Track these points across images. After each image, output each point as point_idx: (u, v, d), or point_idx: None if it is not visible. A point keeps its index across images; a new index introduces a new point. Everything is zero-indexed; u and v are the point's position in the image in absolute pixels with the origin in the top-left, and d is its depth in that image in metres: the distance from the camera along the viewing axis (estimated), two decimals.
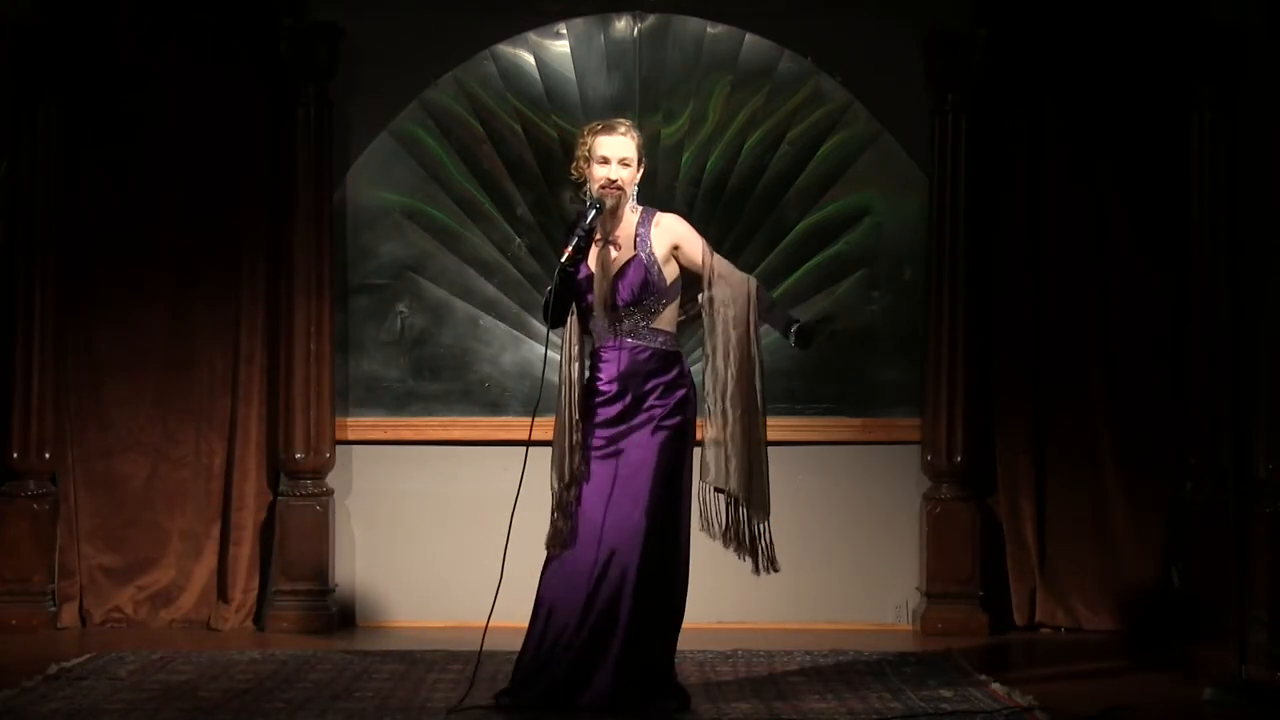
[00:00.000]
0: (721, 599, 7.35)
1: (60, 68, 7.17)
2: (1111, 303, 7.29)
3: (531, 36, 7.46)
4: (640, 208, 5.47)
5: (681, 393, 5.44)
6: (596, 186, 5.37)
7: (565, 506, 5.35)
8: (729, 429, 5.38)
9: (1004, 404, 7.31)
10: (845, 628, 7.26)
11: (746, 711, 5.45)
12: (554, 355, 5.52)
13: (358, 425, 7.39)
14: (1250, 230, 7.04)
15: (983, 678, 5.95)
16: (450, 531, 7.35)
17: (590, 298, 5.38)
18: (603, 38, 7.46)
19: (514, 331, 7.44)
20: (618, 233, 5.42)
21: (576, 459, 5.33)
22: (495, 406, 7.44)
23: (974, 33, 7.19)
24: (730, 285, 5.41)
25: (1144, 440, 7.24)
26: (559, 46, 7.46)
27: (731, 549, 5.48)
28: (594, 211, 5.31)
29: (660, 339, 5.43)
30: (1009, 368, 7.31)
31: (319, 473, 7.29)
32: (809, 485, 7.41)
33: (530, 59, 7.46)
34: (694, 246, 5.43)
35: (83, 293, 7.27)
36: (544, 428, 5.46)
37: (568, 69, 7.45)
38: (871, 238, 7.45)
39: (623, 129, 5.40)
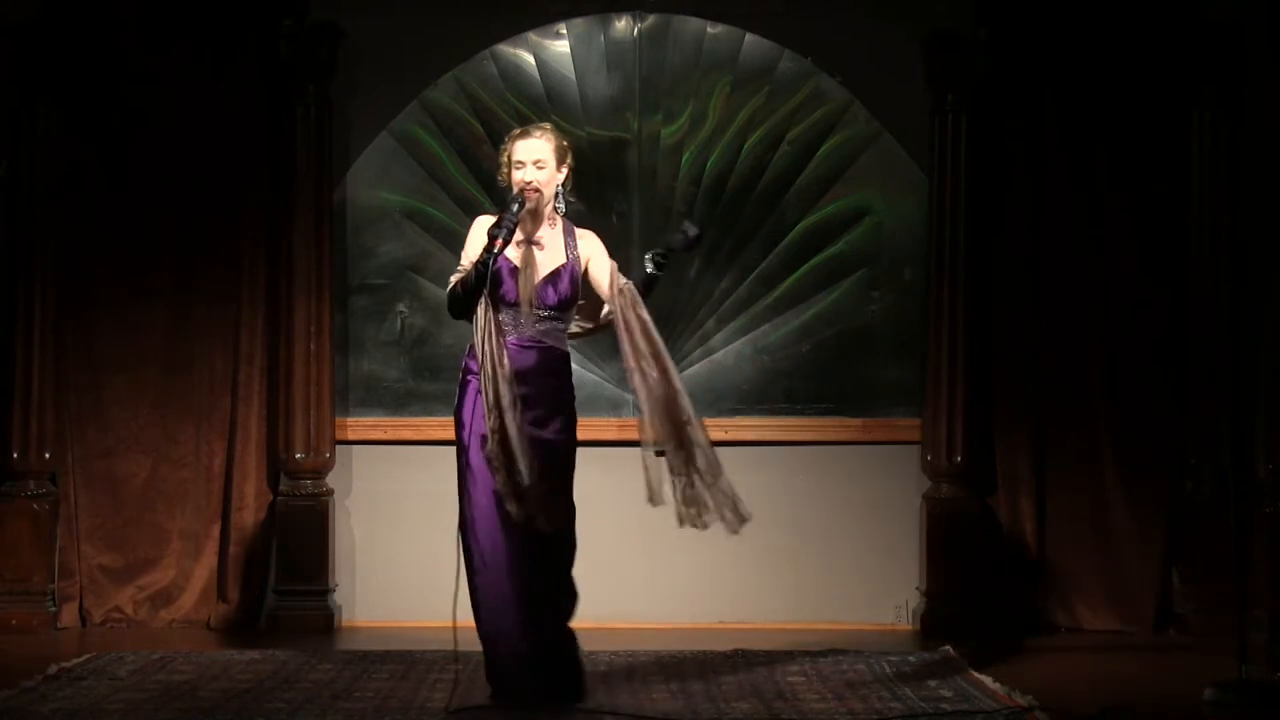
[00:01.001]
0: (721, 599, 7.36)
1: (60, 68, 7.16)
2: (1111, 303, 7.29)
3: (531, 36, 7.46)
4: (561, 218, 5.65)
5: (570, 393, 5.67)
6: (515, 190, 5.58)
7: (520, 484, 5.42)
8: (674, 428, 5.52)
9: (1004, 404, 7.31)
10: (845, 628, 7.26)
11: (746, 711, 5.45)
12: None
13: (358, 425, 7.39)
14: (1251, 230, 7.04)
15: (983, 678, 5.95)
16: (450, 531, 7.31)
17: (509, 294, 5.54)
18: (603, 38, 7.47)
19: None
20: (540, 235, 5.62)
21: (495, 443, 5.43)
22: None
23: (974, 33, 7.19)
24: (632, 293, 5.63)
25: (1144, 440, 7.24)
26: (559, 46, 7.46)
27: (708, 518, 5.53)
28: (517, 205, 5.50)
29: (566, 343, 5.67)
30: (1009, 368, 7.31)
31: (319, 473, 7.29)
32: (809, 485, 7.41)
33: (530, 59, 7.46)
34: (604, 264, 5.67)
35: (82, 292, 7.27)
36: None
37: (568, 69, 7.45)
38: (871, 238, 7.46)
39: (538, 133, 5.63)
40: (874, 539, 7.40)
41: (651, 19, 7.47)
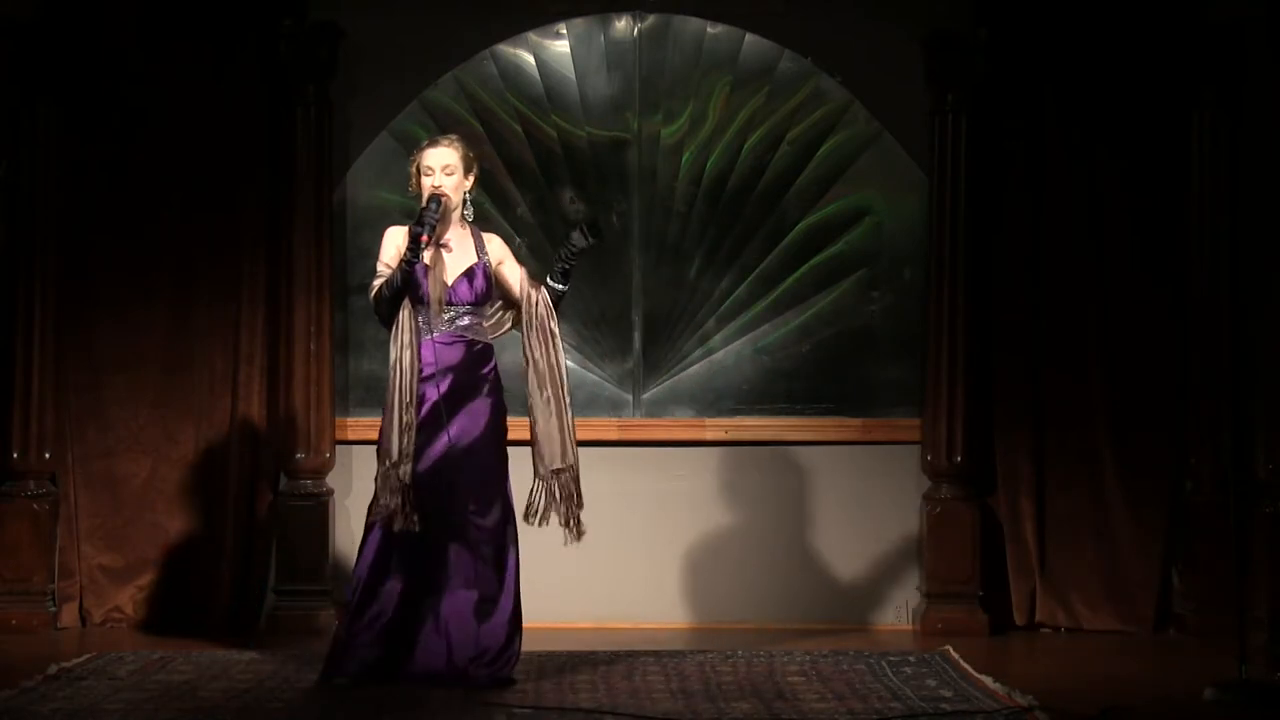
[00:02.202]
0: (722, 599, 7.36)
1: (60, 68, 7.16)
2: (1111, 302, 7.29)
3: (531, 36, 7.46)
4: (468, 224, 5.95)
5: (497, 380, 5.95)
6: (426, 195, 5.85)
7: (392, 483, 5.73)
8: (556, 417, 5.87)
9: (1004, 404, 7.30)
10: (845, 628, 7.26)
11: (746, 711, 5.45)
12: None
13: (358, 425, 7.39)
14: (1251, 230, 7.04)
15: (983, 678, 5.95)
16: None
17: (427, 294, 5.80)
18: (603, 38, 7.47)
19: (514, 331, 7.43)
20: (449, 237, 5.90)
21: (407, 439, 5.74)
22: None
23: (974, 33, 7.19)
24: (541, 295, 5.92)
25: (1144, 440, 7.24)
26: (559, 46, 7.46)
27: (564, 523, 5.88)
28: (435, 204, 5.78)
29: (487, 335, 5.94)
30: (1009, 368, 7.31)
31: (319, 473, 7.29)
32: (809, 485, 7.41)
33: (530, 59, 7.46)
34: (515, 269, 5.99)
35: (83, 293, 7.26)
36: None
37: (568, 69, 7.45)
38: (871, 238, 7.46)
39: (445, 142, 5.97)
40: (874, 539, 7.40)
41: (651, 19, 7.47)
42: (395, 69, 7.40)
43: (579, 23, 7.47)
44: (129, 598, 7.24)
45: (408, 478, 5.72)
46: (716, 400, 7.46)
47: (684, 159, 7.45)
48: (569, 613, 7.27)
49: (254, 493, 7.27)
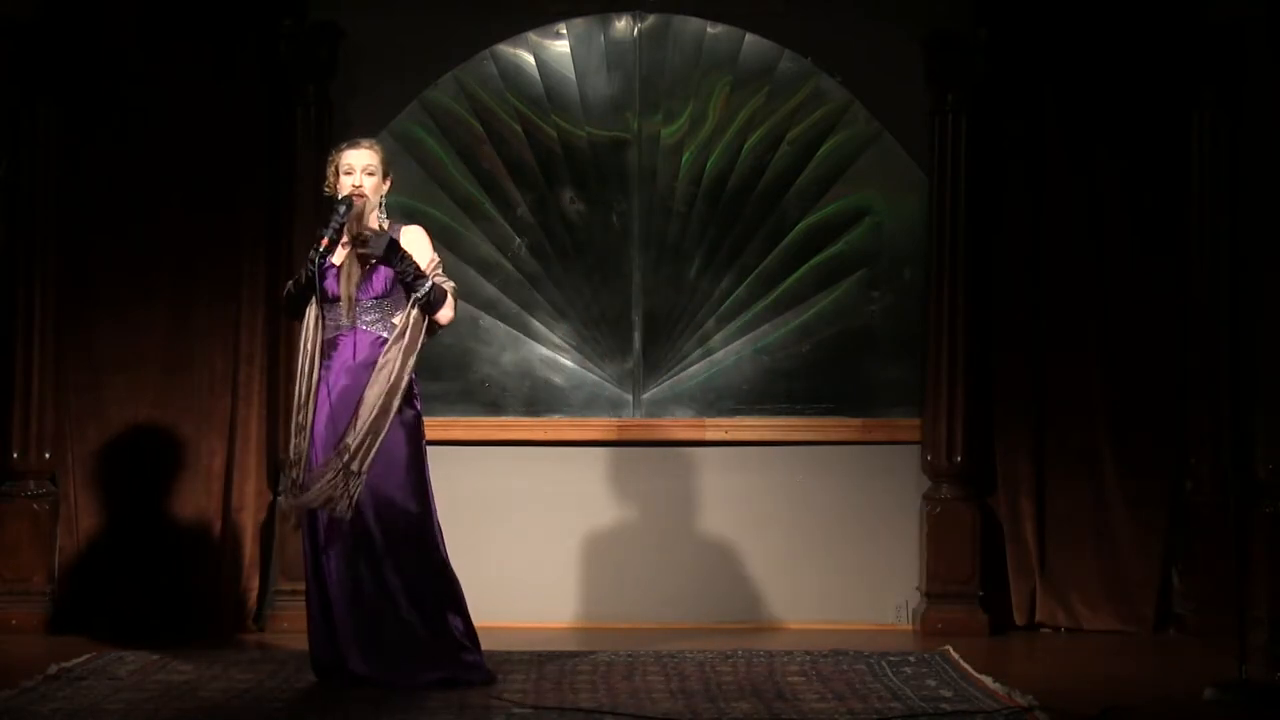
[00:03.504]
0: (721, 599, 7.36)
1: (60, 68, 7.16)
2: (1111, 303, 7.29)
3: (531, 36, 7.46)
4: (388, 220, 5.92)
5: (413, 376, 5.85)
6: (342, 195, 5.86)
7: (285, 484, 5.84)
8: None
9: (1004, 404, 7.31)
10: (845, 628, 7.27)
11: (746, 711, 5.45)
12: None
13: None
14: (1251, 230, 7.04)
15: (983, 678, 5.95)
16: (449, 531, 7.30)
17: (337, 292, 5.81)
18: (603, 38, 7.47)
19: (514, 331, 7.44)
20: (368, 236, 5.87)
21: (300, 439, 5.83)
22: (495, 406, 7.44)
23: (974, 33, 7.19)
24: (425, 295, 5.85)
25: (1144, 440, 7.24)
26: (559, 46, 7.46)
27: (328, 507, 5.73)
28: (344, 207, 5.79)
29: (395, 331, 5.87)
30: (1009, 368, 7.31)
31: None
32: (809, 485, 7.41)
33: (530, 59, 7.46)
34: (423, 257, 5.88)
35: (83, 293, 7.26)
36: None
37: (568, 69, 7.45)
38: (871, 238, 7.46)
39: (365, 144, 5.97)
40: (874, 539, 7.40)
41: (651, 19, 7.47)
42: (395, 69, 7.40)
43: (579, 23, 7.47)
44: (128, 598, 7.23)
45: (299, 476, 5.77)
46: (716, 400, 7.46)
47: (684, 159, 7.46)
48: (569, 613, 7.27)
49: (254, 492, 7.27)
